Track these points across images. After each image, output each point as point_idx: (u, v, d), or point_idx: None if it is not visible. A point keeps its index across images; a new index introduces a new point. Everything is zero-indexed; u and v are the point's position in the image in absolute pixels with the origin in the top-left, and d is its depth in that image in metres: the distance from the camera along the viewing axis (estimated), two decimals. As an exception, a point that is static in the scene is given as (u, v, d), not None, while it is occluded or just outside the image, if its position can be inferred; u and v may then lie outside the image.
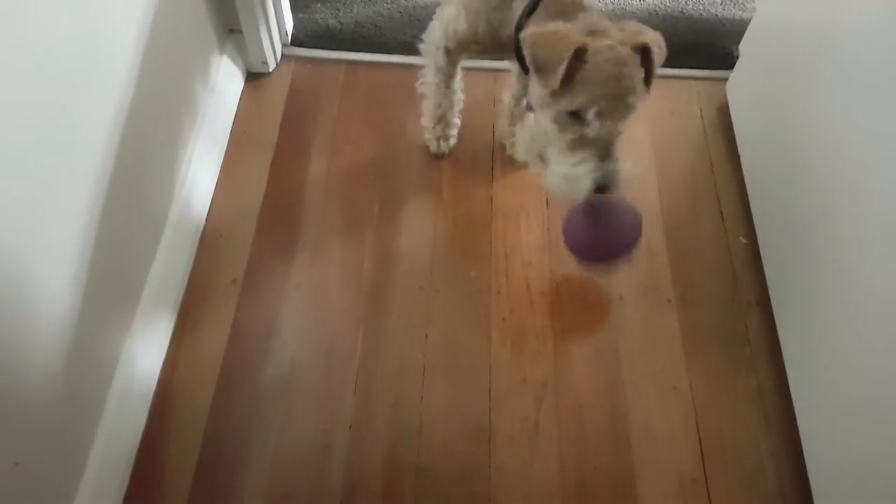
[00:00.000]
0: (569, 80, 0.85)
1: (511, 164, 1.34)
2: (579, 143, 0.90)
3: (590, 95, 0.86)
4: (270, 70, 1.44)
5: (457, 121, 1.33)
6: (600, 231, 1.06)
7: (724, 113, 1.42)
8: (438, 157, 1.35)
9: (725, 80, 1.43)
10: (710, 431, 1.09)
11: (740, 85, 1.37)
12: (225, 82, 1.35)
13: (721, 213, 1.31)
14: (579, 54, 0.84)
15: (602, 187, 0.90)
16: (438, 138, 1.33)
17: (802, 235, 1.09)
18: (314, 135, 1.37)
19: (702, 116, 1.44)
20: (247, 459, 1.03)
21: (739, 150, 1.34)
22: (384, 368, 1.12)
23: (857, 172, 0.95)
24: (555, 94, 0.87)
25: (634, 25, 0.91)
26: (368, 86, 1.45)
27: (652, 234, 1.27)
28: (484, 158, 1.36)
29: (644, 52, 0.88)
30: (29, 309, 0.78)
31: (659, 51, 0.89)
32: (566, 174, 0.91)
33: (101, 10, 0.89)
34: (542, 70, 0.87)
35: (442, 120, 1.31)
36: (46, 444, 0.85)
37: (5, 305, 0.74)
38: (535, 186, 1.32)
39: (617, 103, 0.87)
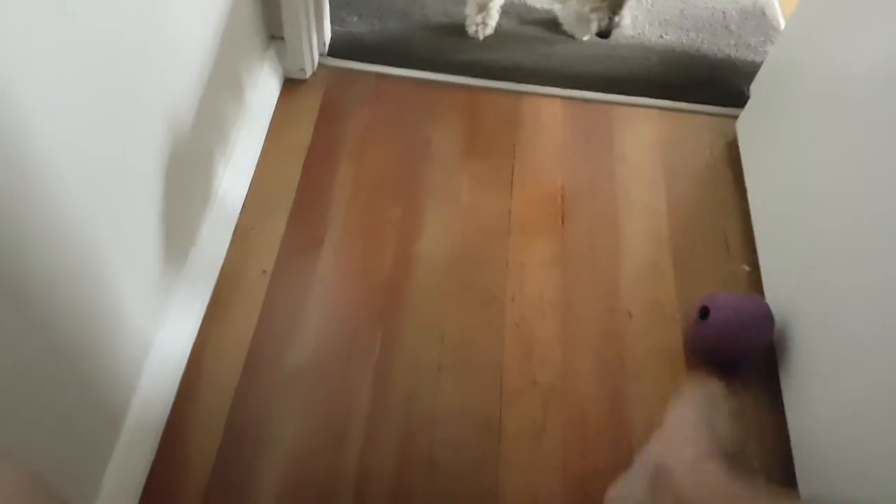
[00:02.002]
0: None
1: (529, 180, 1.42)
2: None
3: None
4: (307, 77, 1.52)
5: (496, 13, 1.54)
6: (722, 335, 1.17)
7: (732, 147, 1.50)
8: (474, 39, 1.57)
9: (736, 117, 1.51)
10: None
11: (749, 122, 1.45)
12: (265, 85, 1.43)
13: (726, 241, 1.38)
14: None
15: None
16: (478, 25, 1.54)
17: (804, 269, 1.15)
18: (344, 140, 1.45)
19: (711, 150, 1.52)
20: (267, 442, 1.09)
21: (746, 183, 1.41)
22: (400, 364, 1.18)
23: (860, 212, 1.01)
24: None
25: None
26: (397, 98, 1.53)
27: (660, 257, 1.35)
28: (504, 173, 1.43)
29: None
30: (84, 282, 0.84)
31: None
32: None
33: (165, 15, 0.97)
34: None
35: (484, 8, 1.51)
36: (90, 407, 0.91)
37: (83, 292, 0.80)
38: (552, 203, 1.39)
39: None
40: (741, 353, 1.20)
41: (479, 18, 1.55)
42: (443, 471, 1.09)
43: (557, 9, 1.37)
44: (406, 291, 1.26)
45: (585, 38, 1.33)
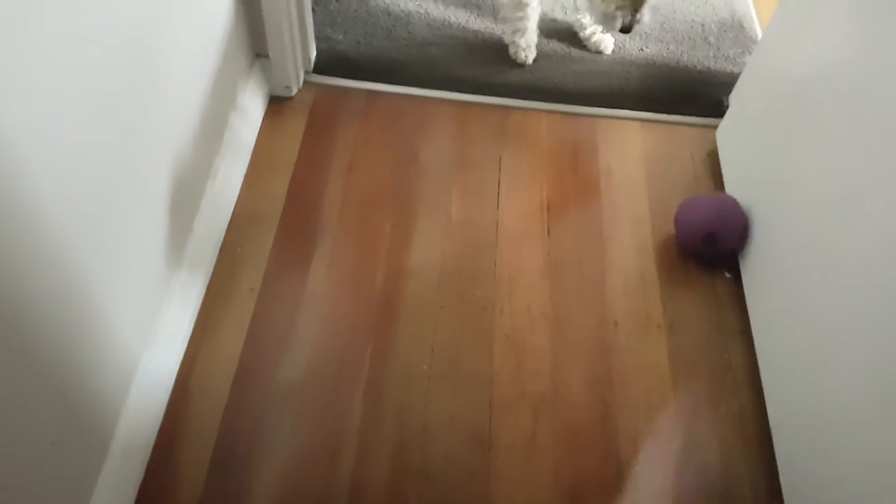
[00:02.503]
0: None
1: (516, 193, 1.43)
2: None
3: None
4: (293, 94, 1.53)
5: (534, 33, 1.63)
6: (715, 210, 1.32)
7: (713, 157, 1.52)
8: (520, 65, 1.64)
9: (716, 127, 1.54)
10: (693, 450, 1.16)
11: (729, 132, 1.48)
12: (250, 103, 1.43)
13: (709, 248, 1.40)
14: None
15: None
16: (524, 50, 1.62)
17: (783, 273, 1.18)
18: (332, 156, 1.46)
19: (693, 160, 1.54)
20: (258, 459, 1.08)
21: (726, 189, 1.44)
22: (391, 377, 1.18)
23: (837, 218, 1.03)
24: None
25: None
26: (385, 114, 1.54)
27: (645, 265, 1.36)
28: (491, 185, 1.45)
29: None
30: (67, 302, 0.84)
31: None
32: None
33: (150, 36, 0.97)
34: None
35: (524, 32, 1.60)
36: (75, 430, 0.90)
37: (56, 305, 0.80)
38: (538, 215, 1.41)
39: None
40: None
41: (523, 43, 1.61)
42: (436, 483, 1.09)
43: (586, 6, 1.54)
44: (396, 305, 1.26)
45: (610, 32, 1.57)
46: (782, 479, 1.09)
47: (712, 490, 1.13)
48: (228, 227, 1.32)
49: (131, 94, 0.92)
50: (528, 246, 1.37)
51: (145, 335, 1.08)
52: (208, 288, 1.24)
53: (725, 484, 1.13)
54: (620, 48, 1.72)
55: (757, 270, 1.28)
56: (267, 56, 1.45)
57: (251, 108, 1.44)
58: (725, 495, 1.12)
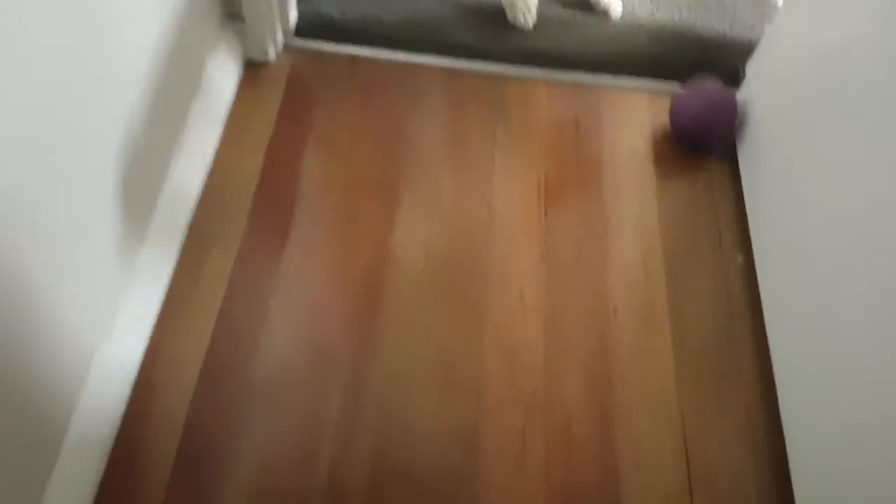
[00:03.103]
0: None
1: (511, 172, 1.33)
2: None
3: None
4: (270, 60, 1.41)
5: None
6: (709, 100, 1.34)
7: (727, 131, 1.41)
8: (519, 29, 1.49)
9: (730, 97, 1.42)
10: (699, 459, 1.07)
11: (745, 104, 1.36)
12: (222, 70, 1.32)
13: (719, 230, 1.30)
14: None
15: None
16: (525, 13, 1.46)
17: (800, 257, 1.08)
18: (311, 128, 1.34)
19: (704, 134, 1.43)
20: (228, 457, 1.00)
21: (741, 168, 1.33)
22: (374, 374, 1.09)
23: (861, 196, 0.94)
24: None
25: None
26: (370, 83, 1.43)
27: (649, 252, 1.26)
28: (485, 163, 1.34)
29: None
30: (8, 286, 0.75)
31: None
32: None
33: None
34: None
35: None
36: (23, 425, 0.82)
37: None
38: (535, 197, 1.30)
39: None
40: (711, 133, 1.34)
41: (522, 5, 1.46)
42: (419, 486, 1.01)
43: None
44: (380, 295, 1.17)
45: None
46: (795, 489, 1.01)
47: (719, 500, 1.05)
48: (197, 205, 1.21)
49: (76, 61, 0.81)
50: (523, 230, 1.26)
51: (104, 323, 0.99)
52: (175, 272, 1.14)
53: (733, 494, 1.05)
54: (629, 12, 1.58)
55: (772, 253, 1.18)
56: (241, 17, 1.33)
57: (223, 75, 1.33)
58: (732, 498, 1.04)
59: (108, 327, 1.00)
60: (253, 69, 1.40)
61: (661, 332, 1.18)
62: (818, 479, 0.97)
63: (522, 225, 1.27)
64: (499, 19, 1.52)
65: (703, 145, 1.37)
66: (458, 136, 1.37)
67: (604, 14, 1.55)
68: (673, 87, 1.47)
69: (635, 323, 1.19)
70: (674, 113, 1.38)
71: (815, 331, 1.02)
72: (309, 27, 1.47)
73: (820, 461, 0.97)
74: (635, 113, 1.45)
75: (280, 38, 1.42)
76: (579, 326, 1.18)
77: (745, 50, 1.43)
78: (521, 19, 1.49)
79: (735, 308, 1.22)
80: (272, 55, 1.41)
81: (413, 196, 1.28)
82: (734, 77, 1.45)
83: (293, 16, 1.44)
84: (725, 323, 1.20)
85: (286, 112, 1.35)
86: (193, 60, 1.21)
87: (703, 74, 1.41)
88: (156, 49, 1.04)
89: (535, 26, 1.52)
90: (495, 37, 1.50)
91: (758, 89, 1.32)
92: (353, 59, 1.45)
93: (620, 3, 1.56)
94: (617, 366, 1.14)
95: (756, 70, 1.33)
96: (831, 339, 0.97)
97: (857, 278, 0.93)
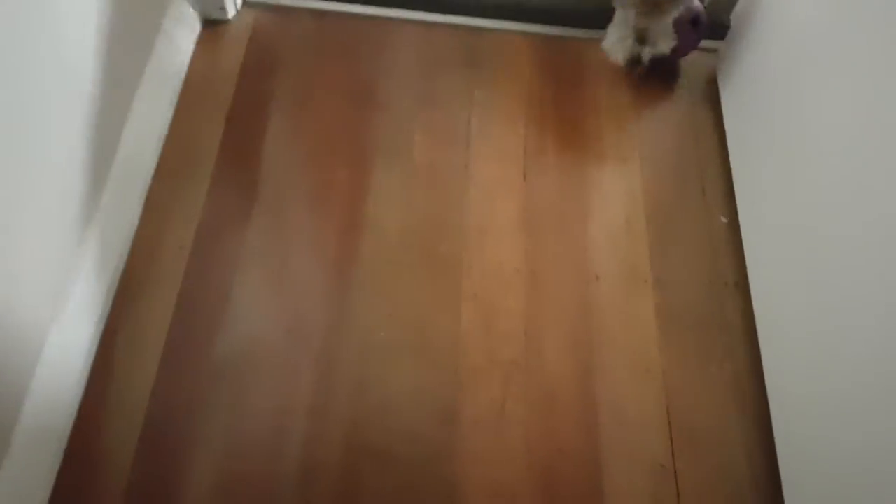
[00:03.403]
0: None
1: (489, 132, 1.26)
2: (623, 24, 1.24)
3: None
4: (229, 17, 1.32)
5: None
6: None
7: (712, 85, 1.35)
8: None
9: (715, 50, 1.36)
10: (682, 417, 1.05)
11: (730, 56, 1.30)
12: (177, 28, 1.22)
13: (703, 189, 1.26)
14: None
15: (630, 60, 1.27)
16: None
17: (785, 217, 1.04)
18: (276, 90, 1.26)
19: (689, 89, 1.37)
20: (193, 440, 0.96)
21: (725, 124, 1.28)
22: (347, 346, 1.05)
23: (848, 153, 0.90)
24: None
25: None
26: (337, 39, 1.34)
27: (632, 211, 1.22)
28: (461, 123, 1.27)
29: None
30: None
31: None
32: (609, 45, 1.28)
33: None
34: None
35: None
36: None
37: None
38: (514, 158, 1.24)
39: (653, 6, 1.19)
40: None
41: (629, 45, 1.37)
42: (395, 462, 0.98)
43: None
44: (351, 264, 1.11)
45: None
46: (777, 444, 1.00)
47: (702, 457, 1.02)
48: (154, 174, 1.14)
49: (17, 23, 0.73)
50: (502, 193, 1.21)
51: (54, 305, 0.93)
52: (132, 248, 1.08)
53: (717, 450, 1.03)
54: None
55: (757, 214, 1.14)
56: (195, -30, 1.23)
57: (179, 34, 1.23)
58: (716, 462, 1.02)
59: (59, 310, 0.94)
60: (211, 28, 1.31)
61: (643, 293, 1.14)
62: (800, 433, 0.96)
63: (501, 188, 1.21)
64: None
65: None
66: (432, 95, 1.29)
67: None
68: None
69: (618, 285, 1.15)
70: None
71: (800, 285, 0.99)
72: (269, -20, 1.37)
73: (802, 416, 0.95)
74: (617, 67, 1.38)
75: (238, -8, 1.32)
76: (560, 290, 1.13)
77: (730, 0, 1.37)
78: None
79: (720, 264, 1.18)
80: (231, 12, 1.31)
81: (386, 159, 1.21)
82: (719, 30, 1.39)
83: (251, -32, 1.35)
84: (708, 280, 1.17)
85: (248, 72, 1.27)
86: (145, 20, 1.12)
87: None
88: (103, 8, 0.95)
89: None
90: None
91: (743, 39, 1.26)
92: (319, 14, 1.36)
93: None
94: (598, 327, 1.10)
95: (741, 20, 1.27)
96: (815, 293, 0.94)
97: (842, 230, 0.90)
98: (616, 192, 1.23)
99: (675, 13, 1.22)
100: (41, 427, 0.89)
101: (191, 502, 0.92)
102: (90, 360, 0.98)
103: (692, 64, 1.39)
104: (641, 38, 1.24)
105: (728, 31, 1.31)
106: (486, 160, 1.24)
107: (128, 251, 1.07)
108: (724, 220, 1.23)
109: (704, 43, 1.41)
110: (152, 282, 1.05)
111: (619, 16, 1.26)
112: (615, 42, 1.26)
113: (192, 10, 1.27)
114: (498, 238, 1.16)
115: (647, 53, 1.25)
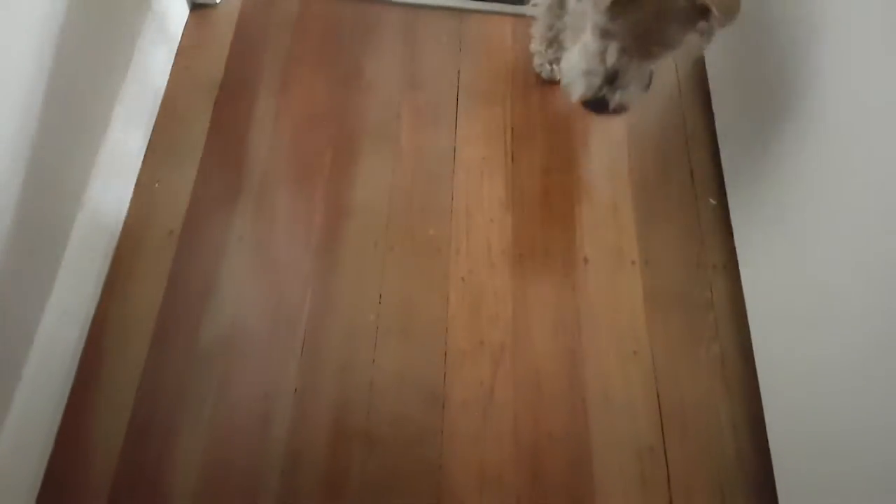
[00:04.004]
0: (617, 3, 0.87)
1: (475, 114, 1.26)
2: (597, 57, 0.96)
3: (616, 29, 0.91)
4: (217, 0, 1.31)
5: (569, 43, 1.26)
6: None
7: (700, 66, 1.34)
8: (550, 82, 1.29)
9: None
10: (670, 398, 1.06)
11: (718, 35, 1.29)
12: (165, 11, 1.22)
13: (691, 172, 1.26)
14: None
15: (590, 102, 0.99)
16: (551, 62, 1.27)
17: (774, 198, 1.04)
18: (262, 73, 1.26)
19: (677, 70, 1.37)
20: (181, 423, 0.97)
21: (714, 106, 1.27)
22: (333, 330, 1.05)
23: (837, 130, 0.89)
24: (603, 9, 0.89)
25: None
26: (322, 22, 1.33)
27: (619, 193, 1.22)
28: (447, 106, 1.27)
29: (702, 10, 0.86)
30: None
31: (722, 14, 0.87)
32: (570, 74, 1.00)
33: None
34: None
35: (554, 42, 1.25)
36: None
37: None
38: (501, 140, 1.24)
39: (638, 46, 0.92)
40: None
41: (549, 55, 1.26)
42: (382, 445, 0.98)
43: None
44: (338, 248, 1.12)
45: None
46: (768, 424, 1.00)
47: (691, 438, 1.03)
48: (144, 160, 1.14)
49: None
50: (489, 176, 1.21)
51: (42, 291, 0.93)
52: (121, 234, 1.08)
53: (705, 431, 1.04)
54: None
55: (745, 196, 1.14)
56: (180, -47, 1.22)
57: (167, 17, 1.22)
58: (705, 444, 1.03)
59: (47, 296, 0.94)
60: (199, 11, 1.30)
61: (631, 275, 1.15)
62: (790, 412, 0.96)
63: (488, 169, 1.21)
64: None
65: None
66: (418, 77, 1.29)
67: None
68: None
69: (605, 266, 1.15)
70: None
71: (790, 264, 0.99)
72: (255, -37, 1.36)
73: (792, 394, 0.96)
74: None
75: (224, -25, 1.31)
76: (547, 273, 1.14)
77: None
78: (548, 71, 1.30)
79: (708, 246, 1.19)
80: (217, -5, 1.31)
81: (372, 142, 1.21)
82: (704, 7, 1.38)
83: (237, -50, 1.34)
84: (696, 262, 1.17)
85: (236, 56, 1.27)
86: (134, 4, 1.11)
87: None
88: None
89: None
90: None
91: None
92: (304, -2, 1.35)
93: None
94: (586, 309, 1.11)
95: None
96: (803, 269, 0.95)
97: (832, 207, 0.90)
98: (603, 174, 1.23)
99: (658, 62, 0.97)
100: (33, 411, 0.90)
101: (178, 486, 0.93)
102: (81, 344, 0.99)
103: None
104: (612, 79, 0.97)
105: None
106: (472, 141, 1.23)
107: (118, 239, 1.07)
108: (712, 202, 1.23)
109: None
110: (142, 267, 1.06)
111: (590, 43, 0.97)
112: (578, 74, 0.99)
113: (177, -7, 1.26)
114: (485, 220, 1.16)
115: (615, 99, 0.98)
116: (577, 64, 0.99)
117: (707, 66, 1.32)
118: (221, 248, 1.09)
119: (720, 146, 1.24)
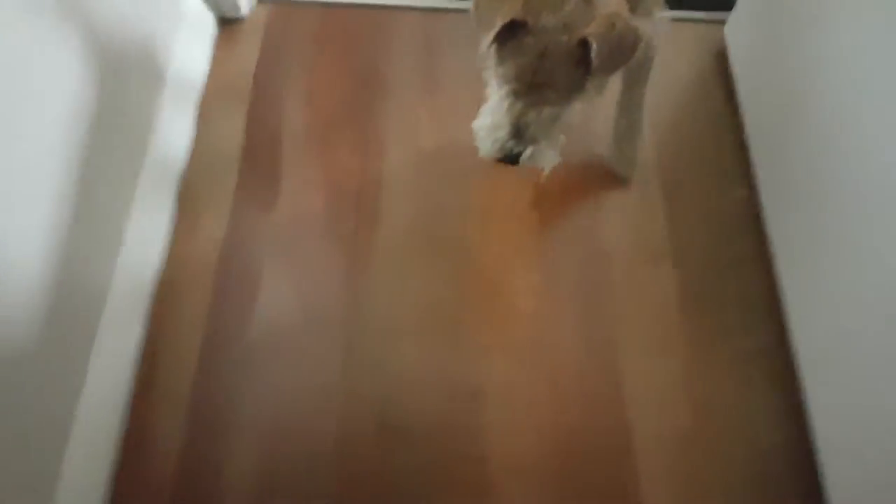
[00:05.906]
0: (502, 47, 0.84)
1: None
2: (502, 109, 0.89)
3: (506, 74, 0.85)
4: (244, 15, 1.35)
5: None
6: None
7: (722, 59, 1.35)
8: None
9: (723, 22, 1.36)
10: (705, 392, 1.07)
11: (739, 28, 1.30)
12: (196, 29, 1.26)
13: (720, 164, 1.27)
14: (514, 27, 0.81)
15: (504, 160, 0.91)
16: None
17: (806, 186, 1.04)
18: (290, 83, 1.30)
19: (698, 63, 1.37)
20: (236, 424, 1.02)
21: (739, 97, 1.28)
22: (370, 329, 1.09)
23: (865, 117, 0.90)
24: (494, 54, 0.85)
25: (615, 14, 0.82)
26: (345, 30, 1.37)
27: (647, 188, 1.23)
28: (466, 105, 1.27)
29: (584, 45, 0.81)
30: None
31: (601, 46, 0.80)
32: (479, 132, 0.93)
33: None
34: (481, 27, 0.84)
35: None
36: (26, 412, 0.82)
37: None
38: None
39: (532, 91, 0.85)
40: None
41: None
42: (424, 440, 1.02)
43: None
44: (370, 249, 1.15)
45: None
46: (813, 414, 1.00)
47: (726, 431, 1.05)
48: (186, 173, 1.19)
49: (40, 38, 0.77)
50: (511, 173, 1.23)
51: (99, 306, 0.98)
52: (171, 247, 1.13)
53: (741, 426, 1.05)
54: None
55: (776, 185, 1.14)
56: (208, -28, 1.26)
57: (197, 35, 1.27)
58: (741, 438, 1.04)
59: (103, 310, 0.99)
60: (227, 27, 1.35)
61: (659, 268, 1.16)
62: (836, 400, 0.96)
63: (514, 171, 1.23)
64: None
65: None
66: (438, 78, 1.32)
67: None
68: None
69: (632, 260, 1.17)
70: None
71: (828, 252, 0.98)
72: (280, -23, 1.39)
73: (838, 382, 0.95)
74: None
75: (251, -9, 1.35)
76: (573, 266, 1.16)
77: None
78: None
79: (738, 236, 1.19)
80: (245, 10, 1.35)
81: (396, 145, 1.25)
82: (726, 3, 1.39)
83: (262, -34, 1.38)
84: (727, 255, 1.18)
85: (264, 68, 1.31)
86: (165, 23, 1.15)
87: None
88: (123, 13, 0.98)
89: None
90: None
91: (753, 11, 1.26)
92: (327, 6, 1.39)
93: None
94: (614, 303, 1.13)
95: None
96: (845, 259, 0.94)
97: (870, 190, 0.90)
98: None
99: (563, 111, 0.89)
100: (94, 427, 0.95)
101: (236, 482, 0.98)
102: (139, 357, 1.04)
103: (697, 38, 1.39)
104: (519, 133, 0.89)
105: (735, 2, 1.31)
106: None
107: (168, 253, 1.12)
108: (743, 192, 1.24)
109: (708, 15, 1.41)
110: (190, 276, 1.11)
111: (492, 94, 0.92)
112: (485, 129, 0.92)
113: (206, 12, 1.30)
114: (508, 218, 1.19)
115: (526, 155, 0.90)
116: (484, 118, 0.93)
117: (730, 56, 1.32)
118: (262, 253, 1.13)
119: (748, 136, 1.24)
